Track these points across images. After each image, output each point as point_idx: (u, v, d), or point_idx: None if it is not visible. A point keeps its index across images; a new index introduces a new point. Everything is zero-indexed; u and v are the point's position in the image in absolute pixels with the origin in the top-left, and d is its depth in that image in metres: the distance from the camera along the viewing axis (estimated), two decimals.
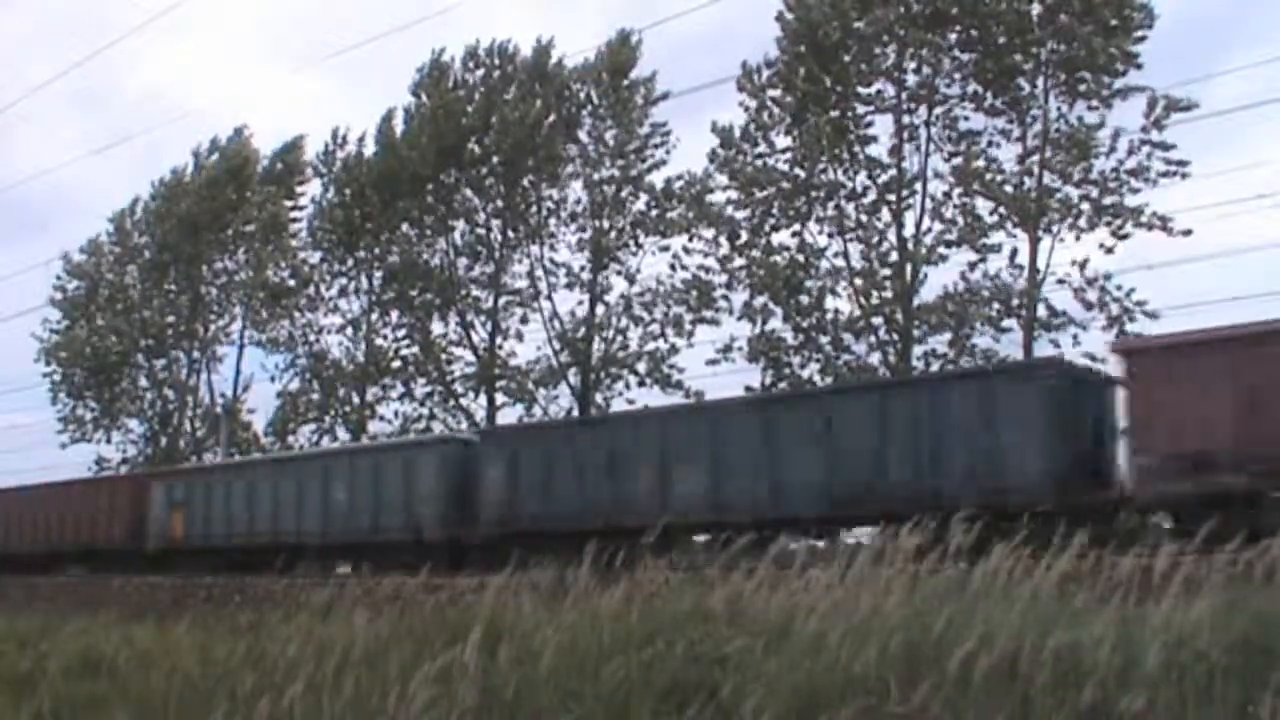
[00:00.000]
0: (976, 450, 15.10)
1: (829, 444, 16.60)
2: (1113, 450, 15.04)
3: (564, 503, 19.32)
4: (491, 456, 20.98)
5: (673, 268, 29.19)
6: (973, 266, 25.47)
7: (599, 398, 30.52)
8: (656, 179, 30.48)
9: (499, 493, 20.35)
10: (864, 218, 26.59)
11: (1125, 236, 24.09)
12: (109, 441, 40.42)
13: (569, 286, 31.53)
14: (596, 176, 31.13)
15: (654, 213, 30.27)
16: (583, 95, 31.34)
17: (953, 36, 25.36)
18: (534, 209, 32.17)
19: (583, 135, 31.48)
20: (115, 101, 73.08)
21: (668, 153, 30.56)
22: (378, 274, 34.57)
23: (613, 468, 18.91)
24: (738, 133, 27.19)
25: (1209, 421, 13.08)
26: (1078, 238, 24.51)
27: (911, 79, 26.12)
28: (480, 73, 32.80)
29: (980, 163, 25.39)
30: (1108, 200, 24.12)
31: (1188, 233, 23.43)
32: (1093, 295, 24.22)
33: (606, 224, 31.02)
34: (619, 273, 30.90)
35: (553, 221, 32.04)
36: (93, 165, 69.44)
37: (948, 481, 15.04)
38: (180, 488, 27.23)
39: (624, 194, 30.84)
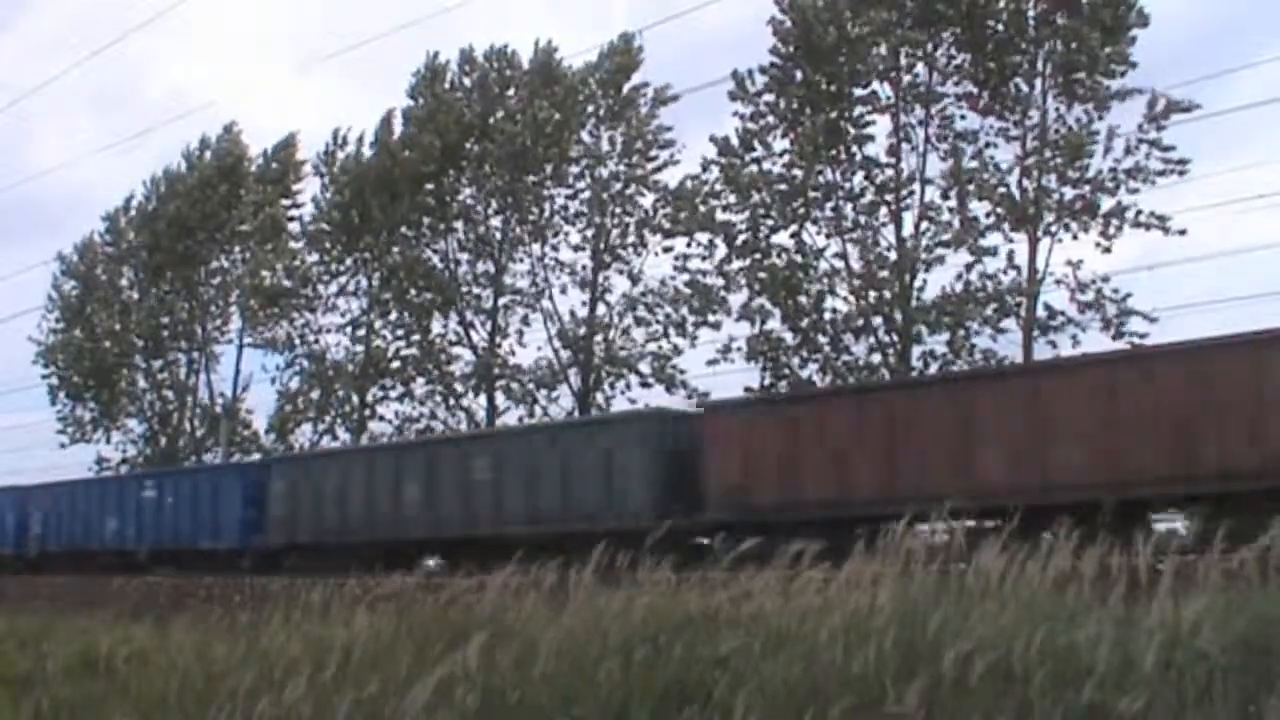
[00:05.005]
0: None
1: None
2: None
3: None
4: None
5: (676, 270, 29.22)
6: (969, 267, 25.51)
7: (600, 398, 30.51)
8: (668, 178, 30.26)
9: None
10: (862, 218, 26.59)
11: (1114, 237, 24.14)
12: (109, 442, 40.53)
13: (572, 286, 31.53)
14: (602, 174, 31.04)
15: (662, 211, 30.07)
16: (584, 101, 31.23)
17: (949, 36, 25.33)
18: (537, 208, 32.11)
19: (585, 136, 31.46)
20: (134, 101, 72.99)
21: (671, 156, 30.49)
22: (376, 274, 34.51)
23: None
24: (736, 141, 27.09)
25: None
26: (1075, 238, 24.54)
27: (907, 79, 26.14)
28: (476, 75, 32.76)
29: (974, 164, 25.36)
30: (1101, 200, 24.14)
31: (1183, 232, 23.47)
32: (1089, 296, 24.25)
33: (610, 222, 30.96)
34: (621, 272, 30.89)
35: (556, 220, 31.99)
36: (108, 165, 69.24)
37: None
38: None
39: (629, 191, 30.77)
